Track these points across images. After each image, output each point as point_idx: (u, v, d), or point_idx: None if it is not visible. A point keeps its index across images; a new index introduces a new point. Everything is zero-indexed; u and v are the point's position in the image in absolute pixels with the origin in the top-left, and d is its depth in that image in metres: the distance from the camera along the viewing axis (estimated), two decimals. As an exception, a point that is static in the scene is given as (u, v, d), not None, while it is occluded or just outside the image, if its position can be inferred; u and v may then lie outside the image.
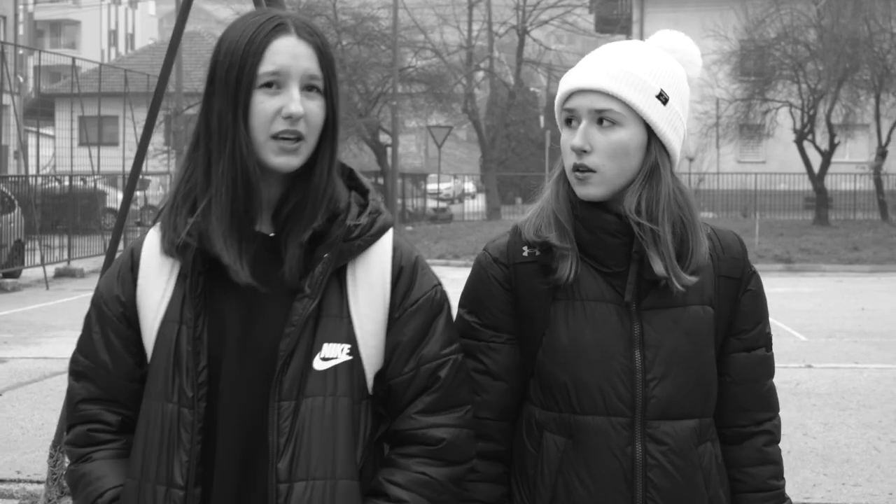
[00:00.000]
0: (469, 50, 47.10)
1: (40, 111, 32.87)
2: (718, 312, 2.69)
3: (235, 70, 2.39)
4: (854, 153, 45.06)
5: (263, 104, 2.39)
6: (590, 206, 2.63)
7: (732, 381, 2.73)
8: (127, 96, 30.91)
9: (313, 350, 2.42)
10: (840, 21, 35.46)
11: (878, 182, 39.08)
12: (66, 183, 28.24)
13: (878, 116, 38.27)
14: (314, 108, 2.43)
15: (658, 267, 2.58)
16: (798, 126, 37.46)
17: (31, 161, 33.07)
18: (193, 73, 40.14)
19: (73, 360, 2.61)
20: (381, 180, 40.61)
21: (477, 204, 55.92)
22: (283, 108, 2.39)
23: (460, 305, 2.75)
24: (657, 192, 2.60)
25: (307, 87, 2.43)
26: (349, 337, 2.45)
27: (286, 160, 2.41)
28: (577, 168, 2.60)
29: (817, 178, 37.93)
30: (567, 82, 2.65)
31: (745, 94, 38.38)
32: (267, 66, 2.39)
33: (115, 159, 31.23)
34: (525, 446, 2.70)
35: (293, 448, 2.39)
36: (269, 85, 2.39)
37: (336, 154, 2.50)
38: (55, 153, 30.80)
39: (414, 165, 67.99)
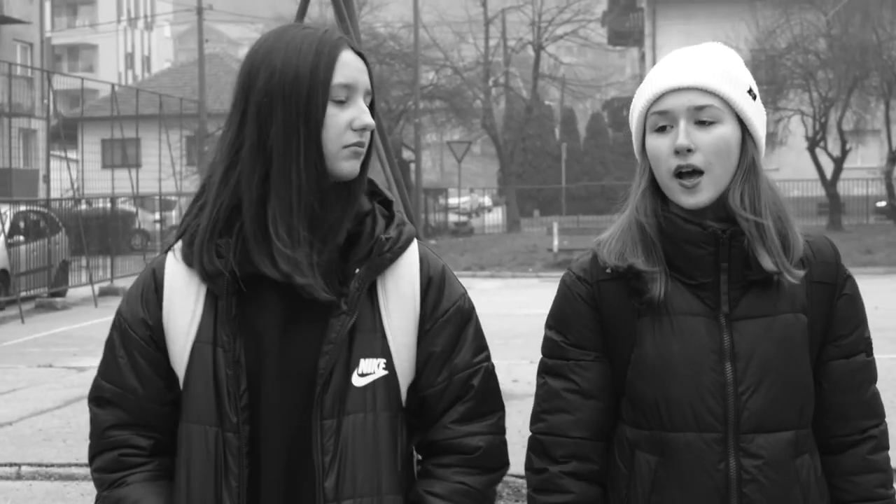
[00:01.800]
0: (486, 66, 47.89)
1: (63, 135, 33.75)
2: (812, 320, 2.58)
3: (306, 82, 2.33)
4: (866, 159, 45.40)
5: (336, 117, 2.35)
6: (672, 219, 2.54)
7: (833, 390, 2.60)
8: (162, 118, 31.86)
9: (350, 366, 2.38)
10: (849, 30, 36.08)
11: (890, 186, 39.56)
12: (108, 205, 29.28)
13: (888, 122, 38.71)
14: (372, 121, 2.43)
15: (767, 262, 2.51)
16: (810, 134, 37.94)
17: (55, 185, 33.88)
18: (223, 96, 40.77)
19: (97, 387, 2.51)
20: (404, 196, 41.46)
21: (495, 217, 56.60)
22: (356, 119, 2.36)
23: (547, 326, 2.69)
24: (757, 188, 2.53)
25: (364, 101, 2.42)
26: (384, 351, 2.41)
27: (353, 165, 2.39)
28: (682, 172, 2.50)
29: (830, 185, 38.47)
30: (657, 84, 2.55)
31: (758, 103, 38.79)
32: (339, 79, 2.35)
33: (142, 181, 32.08)
34: (618, 467, 2.62)
35: (338, 466, 2.36)
36: (341, 98, 2.37)
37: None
38: (79, 176, 31.69)
39: (430, 180, 68.51)
